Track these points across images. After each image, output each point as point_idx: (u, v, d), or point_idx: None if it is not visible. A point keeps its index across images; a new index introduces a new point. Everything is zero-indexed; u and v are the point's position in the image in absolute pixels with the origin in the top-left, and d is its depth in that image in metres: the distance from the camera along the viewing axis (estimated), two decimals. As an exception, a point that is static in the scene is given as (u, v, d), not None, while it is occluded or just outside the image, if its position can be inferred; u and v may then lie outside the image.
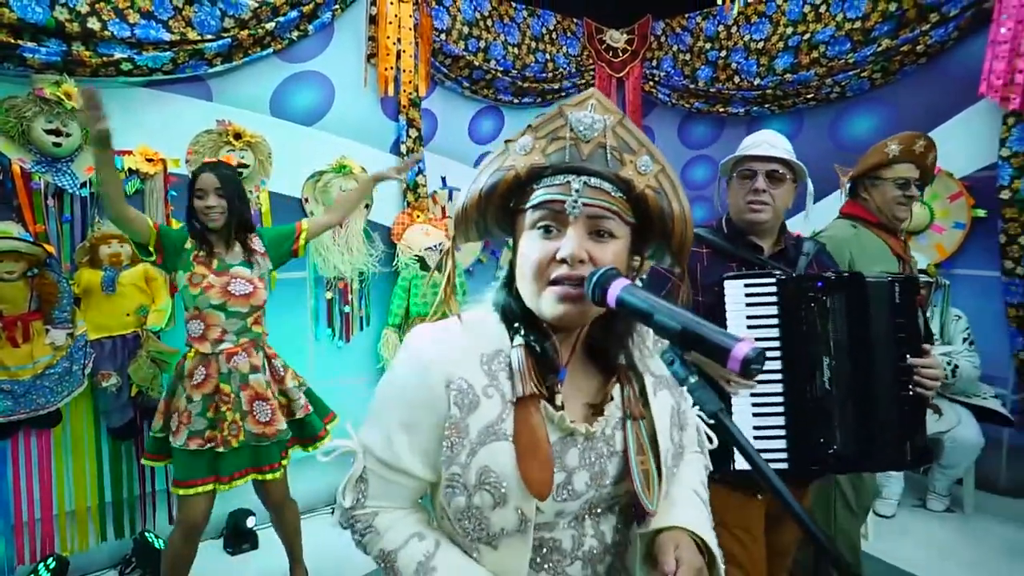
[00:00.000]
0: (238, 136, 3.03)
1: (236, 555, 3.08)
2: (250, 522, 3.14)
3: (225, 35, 2.94)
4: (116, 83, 2.75)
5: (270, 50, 3.13)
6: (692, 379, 0.72)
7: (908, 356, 1.60)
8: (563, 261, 0.81)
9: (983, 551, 3.11)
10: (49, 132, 2.53)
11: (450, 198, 4.18)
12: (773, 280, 1.61)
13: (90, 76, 2.64)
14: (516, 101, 4.59)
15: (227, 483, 2.33)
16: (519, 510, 0.82)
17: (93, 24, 2.62)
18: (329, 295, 3.48)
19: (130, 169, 2.80)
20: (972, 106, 3.65)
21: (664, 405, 0.94)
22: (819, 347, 1.60)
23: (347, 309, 3.55)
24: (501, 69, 4.41)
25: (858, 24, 4.03)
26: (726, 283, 1.61)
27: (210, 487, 2.30)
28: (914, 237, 3.89)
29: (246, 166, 3.06)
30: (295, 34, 3.20)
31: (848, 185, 2.53)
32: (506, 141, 0.88)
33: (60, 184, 2.61)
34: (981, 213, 3.67)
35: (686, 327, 0.71)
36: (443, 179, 4.16)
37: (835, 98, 4.22)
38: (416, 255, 3.56)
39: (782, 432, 1.59)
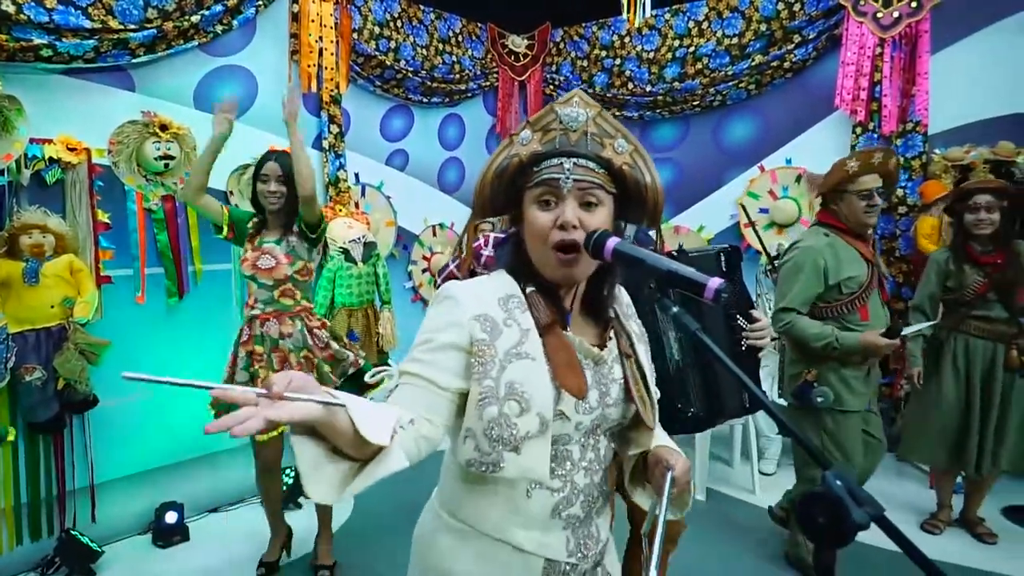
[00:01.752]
0: (164, 127, 3.02)
1: (167, 548, 3.07)
2: (172, 517, 3.12)
3: (149, 26, 2.92)
4: (35, 69, 2.68)
5: (194, 43, 3.14)
6: (675, 308, 0.97)
7: (738, 317, 1.79)
8: (561, 227, 1.03)
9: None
10: (-35, 118, 2.45)
11: (363, 194, 4.30)
12: None
13: (6, 60, 2.57)
14: (425, 100, 4.77)
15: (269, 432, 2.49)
16: (540, 415, 1.01)
17: (7, 7, 2.55)
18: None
19: (51, 158, 2.73)
20: (828, 116, 4.25)
21: (645, 358, 1.19)
22: (661, 322, 1.72)
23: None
24: (411, 69, 4.57)
25: (735, 40, 4.56)
26: None
27: (266, 436, 2.56)
28: (785, 230, 4.45)
29: (172, 158, 3.05)
30: (219, 28, 3.22)
31: (818, 195, 2.78)
32: (511, 135, 1.10)
33: (-24, 173, 2.52)
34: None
35: (670, 269, 0.97)
36: (356, 175, 4.26)
37: (717, 106, 4.73)
38: (340, 247, 3.66)
39: None
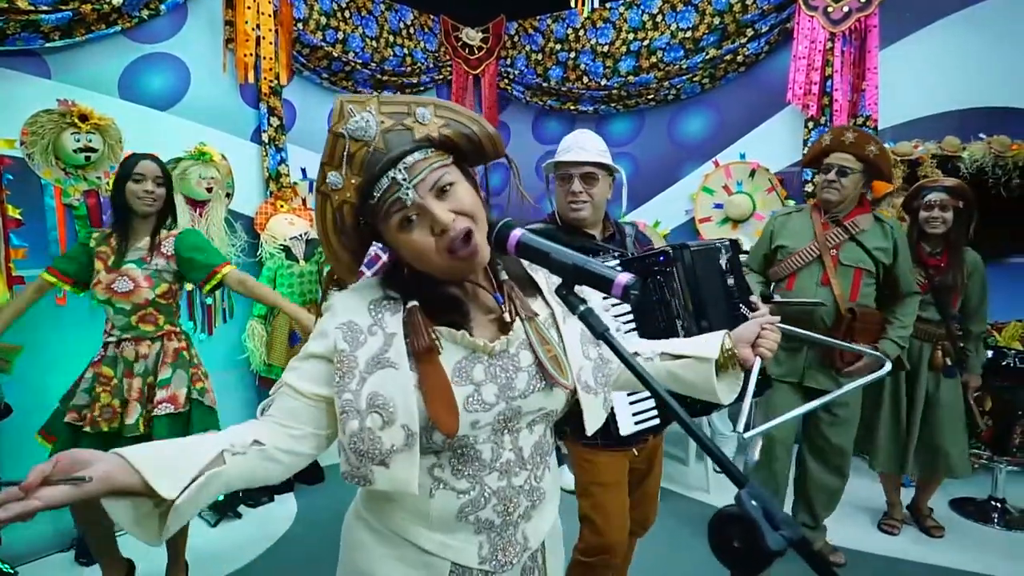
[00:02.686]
0: (84, 118, 2.83)
1: (90, 565, 2.89)
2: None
3: (64, 8, 2.74)
4: (-66, 54, 2.49)
5: (117, 28, 2.95)
6: (582, 307, 0.88)
7: (741, 307, 1.82)
8: (441, 232, 0.93)
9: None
10: None
11: (310, 189, 4.14)
12: (618, 260, 1.80)
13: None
14: (376, 94, 4.61)
15: None
16: (405, 427, 0.93)
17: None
18: (189, 286, 3.32)
19: (-45, 151, 2.54)
20: (781, 111, 4.23)
21: (573, 329, 1.09)
22: (670, 312, 1.76)
23: (209, 301, 3.42)
24: (360, 61, 4.43)
25: (689, 34, 4.51)
26: None
27: None
28: (740, 225, 4.43)
29: (94, 150, 2.87)
30: (145, 13, 3.04)
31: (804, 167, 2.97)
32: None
33: None
34: (791, 203, 4.26)
35: (577, 264, 0.88)
36: (303, 170, 4.11)
37: (672, 99, 4.68)
38: (281, 245, 3.51)
39: (649, 396, 1.77)
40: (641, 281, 0.84)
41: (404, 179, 0.91)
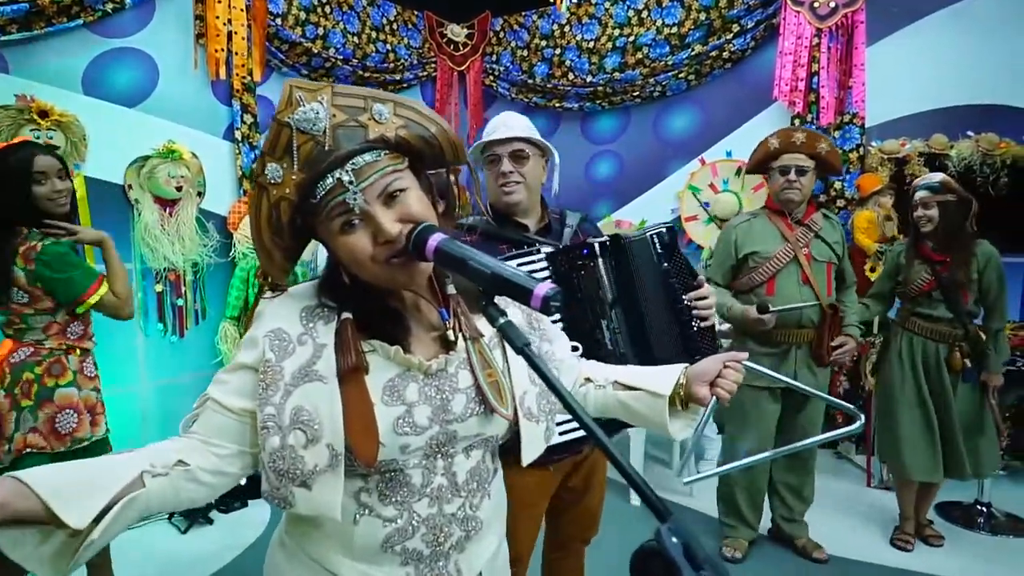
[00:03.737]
0: (44, 114, 2.75)
1: None
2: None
3: (20, 0, 2.66)
4: None
5: (79, 21, 2.87)
6: (501, 319, 0.81)
7: (682, 297, 1.66)
8: (386, 243, 0.86)
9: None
10: None
11: (291, 187, 4.07)
12: (543, 255, 1.65)
13: None
14: (330, 83, 4.52)
15: None
16: (331, 446, 0.86)
17: None
18: (159, 288, 3.26)
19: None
20: (767, 108, 4.16)
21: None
22: (597, 310, 1.64)
23: (180, 302, 3.35)
24: (341, 57, 4.35)
25: (675, 30, 4.44)
26: None
27: None
28: (726, 224, 4.36)
29: (56, 147, 2.79)
30: (109, 6, 2.96)
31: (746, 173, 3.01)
32: (256, 179, 0.88)
33: None
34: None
35: (495, 272, 0.81)
36: (282, 168, 4.03)
37: (657, 97, 4.61)
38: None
39: None
40: (562, 292, 0.77)
41: (351, 181, 0.83)
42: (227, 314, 3.43)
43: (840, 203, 3.89)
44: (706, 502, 3.35)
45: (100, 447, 2.19)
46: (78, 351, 2.16)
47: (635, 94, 4.66)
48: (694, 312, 1.67)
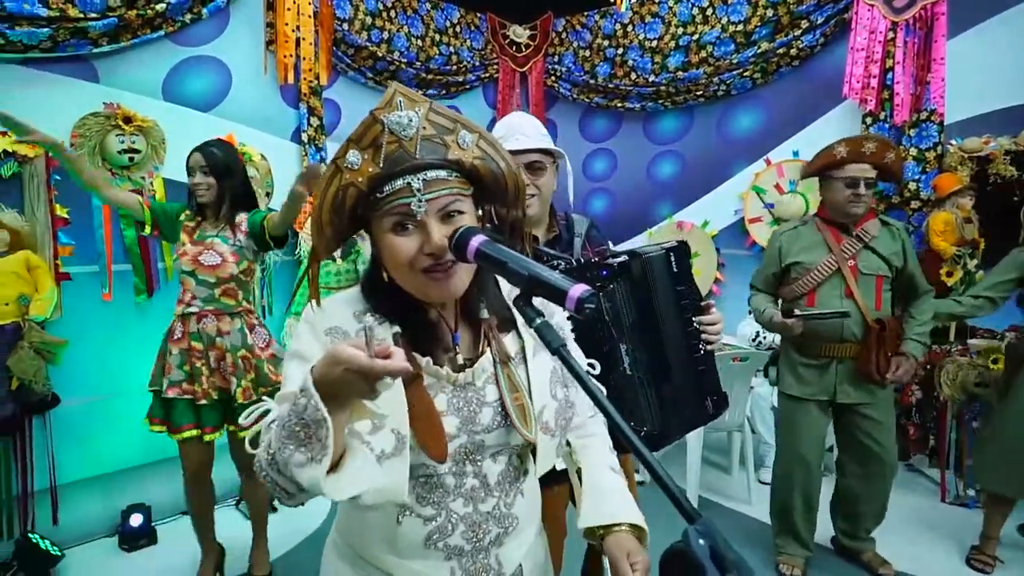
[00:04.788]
0: (128, 120, 2.93)
1: (132, 551, 2.99)
2: (137, 520, 3.04)
3: (111, 14, 2.83)
4: (-12, 60, 2.62)
5: (161, 32, 3.04)
6: (538, 320, 0.82)
7: (692, 319, 1.61)
8: (431, 254, 0.90)
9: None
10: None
11: (355, 188, 4.18)
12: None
13: (-42, 51, 2.50)
14: (421, 93, 4.63)
15: (209, 434, 2.47)
16: (396, 431, 0.90)
17: (-42, -4, 2.48)
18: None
19: (5, 151, 2.66)
20: (837, 106, 4.01)
21: (543, 364, 1.04)
22: (615, 333, 1.54)
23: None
24: (405, 60, 4.44)
25: (740, 27, 4.34)
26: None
27: (195, 433, 2.45)
28: (791, 225, 4.23)
29: (137, 151, 2.97)
30: (188, 17, 3.12)
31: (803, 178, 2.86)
32: (334, 160, 0.92)
33: (-74, 166, 2.46)
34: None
35: (532, 274, 0.82)
36: (348, 169, 4.15)
37: (722, 95, 4.51)
38: (319, 243, 3.55)
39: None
40: (595, 295, 0.78)
41: (419, 189, 0.88)
42: (292, 310, 3.55)
43: (915, 204, 3.71)
44: (764, 509, 3.26)
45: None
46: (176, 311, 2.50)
47: (698, 93, 4.57)
48: (703, 335, 1.62)
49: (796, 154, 4.21)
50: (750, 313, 2.97)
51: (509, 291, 1.09)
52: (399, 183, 0.89)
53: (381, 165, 0.89)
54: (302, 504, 0.91)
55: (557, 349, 0.79)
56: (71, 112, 2.85)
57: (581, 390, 1.15)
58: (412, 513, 0.97)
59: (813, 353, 2.60)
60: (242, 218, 2.46)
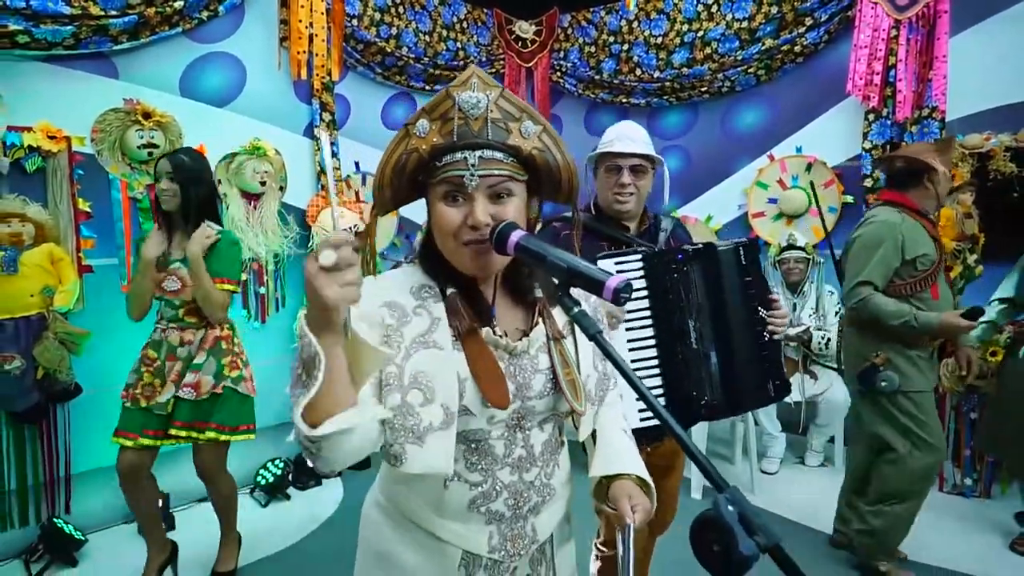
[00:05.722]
0: (147, 115, 2.99)
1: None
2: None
3: (131, 12, 2.89)
4: (12, 56, 2.66)
5: (179, 29, 3.10)
6: (575, 308, 0.89)
7: (759, 308, 1.80)
8: (472, 227, 0.97)
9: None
10: (-59, 107, 2.44)
11: (363, 183, 4.23)
12: (640, 256, 1.76)
13: (-17, 48, 2.56)
14: (428, 88, 4.69)
15: (146, 438, 2.46)
16: (444, 407, 0.96)
17: (-15, -7, 2.53)
18: (244, 276, 3.48)
19: (30, 146, 2.72)
20: (840, 103, 4.07)
21: (587, 340, 1.10)
22: (684, 311, 1.76)
23: (262, 291, 3.57)
24: (413, 56, 4.49)
25: (745, 24, 4.39)
26: (599, 262, 1.71)
27: (130, 442, 2.44)
28: (794, 221, 4.30)
29: (156, 146, 3.02)
30: (204, 14, 3.18)
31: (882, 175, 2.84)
32: (405, 124, 1.01)
33: (-47, 161, 2.52)
34: (849, 199, 4.10)
35: (571, 266, 0.89)
36: (356, 164, 4.21)
37: (726, 92, 4.57)
38: (331, 237, 3.61)
39: (660, 391, 1.75)
40: (631, 286, 0.85)
41: (474, 164, 0.96)
42: (304, 303, 3.62)
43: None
44: (766, 499, 3.34)
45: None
46: None
47: (703, 89, 4.63)
48: (768, 325, 1.80)
49: (799, 150, 4.27)
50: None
51: None
52: (457, 156, 0.96)
53: (445, 137, 0.98)
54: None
55: (594, 335, 0.87)
56: (92, 107, 2.90)
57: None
58: (460, 479, 1.03)
59: (922, 345, 2.57)
60: (210, 234, 2.42)
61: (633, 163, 1.89)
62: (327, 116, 3.79)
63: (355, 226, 3.68)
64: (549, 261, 0.92)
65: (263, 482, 3.43)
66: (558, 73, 5.34)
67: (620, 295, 0.84)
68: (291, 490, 3.49)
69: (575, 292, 0.94)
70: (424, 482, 1.03)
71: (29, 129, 2.72)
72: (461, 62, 4.87)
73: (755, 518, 0.71)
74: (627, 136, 1.91)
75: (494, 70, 5.16)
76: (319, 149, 3.80)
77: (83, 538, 2.84)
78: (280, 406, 3.72)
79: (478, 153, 0.96)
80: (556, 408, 1.08)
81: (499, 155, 0.98)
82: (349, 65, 4.10)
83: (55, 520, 2.83)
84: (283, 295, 3.68)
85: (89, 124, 2.91)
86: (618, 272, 1.73)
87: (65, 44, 2.73)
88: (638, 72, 4.91)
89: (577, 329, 1.11)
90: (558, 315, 1.11)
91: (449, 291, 1.03)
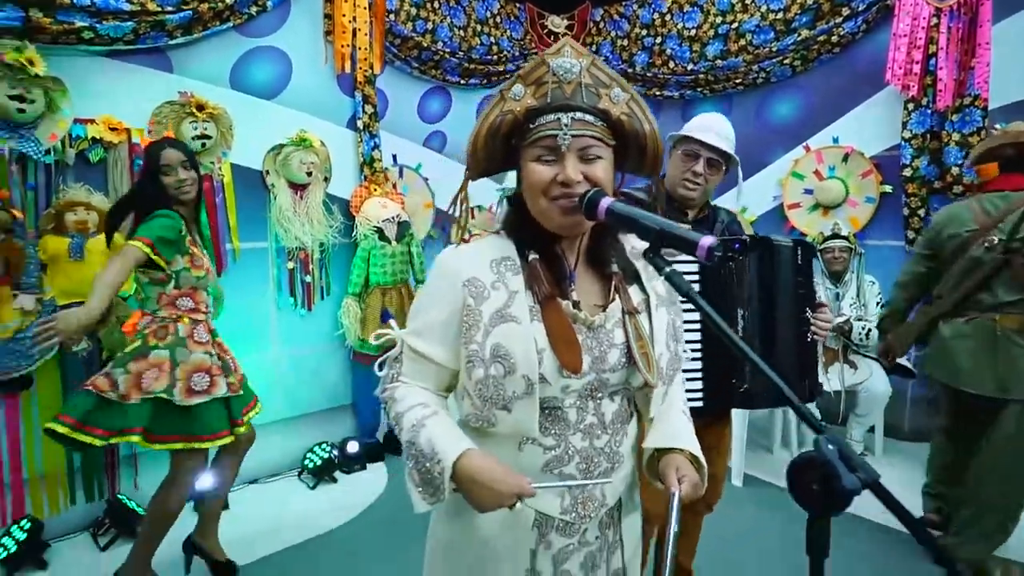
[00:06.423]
0: (201, 108, 3.08)
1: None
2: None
3: (185, 7, 2.98)
4: (77, 51, 2.77)
5: (229, 24, 3.19)
6: (667, 268, 0.94)
7: (807, 309, 1.83)
8: (563, 183, 1.02)
9: (889, 488, 3.51)
10: (12, 98, 2.54)
11: (400, 175, 4.31)
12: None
13: (50, 43, 2.66)
14: (463, 82, 4.75)
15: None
16: (526, 377, 1.02)
17: (52, -9, 2.63)
18: (290, 265, 3.57)
19: (93, 138, 2.82)
20: (879, 92, 4.06)
21: (662, 320, 1.15)
22: (735, 299, 1.79)
23: (308, 279, 3.65)
24: (448, 50, 4.55)
25: (780, 15, 4.39)
26: None
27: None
28: (831, 211, 4.29)
29: (208, 137, 3.12)
30: (254, 9, 3.27)
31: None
32: (500, 90, 1.07)
33: (24, 151, 2.62)
34: (888, 189, 4.09)
35: (663, 227, 0.94)
36: (394, 156, 4.28)
37: (760, 83, 4.58)
38: (374, 226, 3.69)
39: (699, 375, 1.78)
40: (723, 244, 0.89)
41: (567, 125, 1.02)
42: (349, 291, 3.71)
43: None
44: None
45: (217, 405, 2.38)
46: (187, 320, 2.38)
47: (737, 81, 4.64)
48: (812, 326, 1.84)
49: (836, 140, 4.27)
50: None
51: (631, 250, 1.20)
52: (550, 117, 1.03)
53: (539, 100, 1.04)
54: None
55: (687, 292, 0.91)
56: (149, 100, 3.00)
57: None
58: (534, 442, 1.09)
59: None
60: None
61: (711, 156, 1.92)
62: (369, 109, 3.87)
63: (398, 216, 3.75)
64: (641, 223, 0.96)
65: (311, 465, 3.51)
66: (590, 66, 5.36)
67: (713, 252, 0.89)
68: (337, 474, 3.57)
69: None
70: (500, 445, 1.08)
71: (92, 121, 2.83)
72: (495, 56, 4.92)
73: (856, 457, 0.75)
74: (713, 129, 1.94)
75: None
76: (361, 141, 3.88)
77: (144, 513, 2.94)
78: (327, 390, 3.82)
79: (571, 115, 1.02)
80: (628, 381, 1.12)
81: (590, 118, 1.03)
82: (387, 60, 4.17)
83: (119, 496, 2.95)
84: (328, 283, 3.77)
85: (146, 116, 3.00)
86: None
87: (125, 39, 2.83)
88: (671, 65, 4.93)
89: (654, 309, 1.15)
90: (633, 293, 1.15)
91: (531, 256, 1.08)
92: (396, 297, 3.76)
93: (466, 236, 1.18)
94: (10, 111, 2.55)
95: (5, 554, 2.58)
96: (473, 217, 4.88)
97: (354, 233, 3.77)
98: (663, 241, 0.95)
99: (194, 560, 2.64)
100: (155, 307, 2.35)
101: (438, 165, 4.60)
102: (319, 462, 3.51)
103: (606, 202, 1.00)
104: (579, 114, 1.02)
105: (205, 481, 2.64)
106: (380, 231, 3.69)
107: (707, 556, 2.32)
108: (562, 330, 1.04)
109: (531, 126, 1.04)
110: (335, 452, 3.63)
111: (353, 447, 3.69)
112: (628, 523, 1.23)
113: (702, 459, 1.16)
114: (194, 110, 3.07)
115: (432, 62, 4.48)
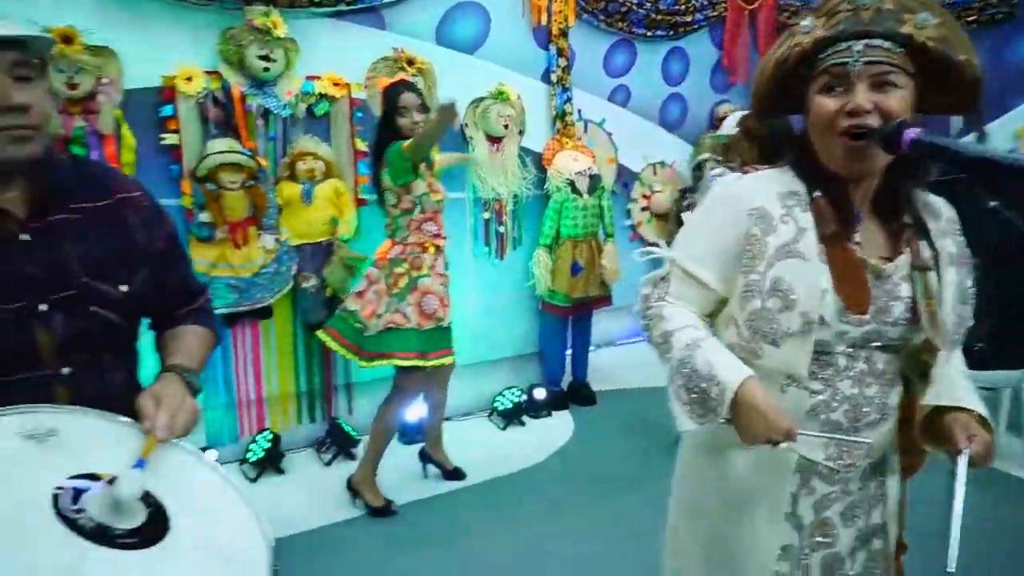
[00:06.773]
0: (411, 62, 3.26)
1: (410, 444, 3.27)
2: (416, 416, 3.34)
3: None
4: (307, 14, 3.04)
5: (436, -20, 3.35)
6: (992, 203, 0.84)
7: None
8: (851, 113, 0.93)
9: None
10: (260, 58, 2.85)
11: (585, 130, 4.29)
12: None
13: (288, 7, 2.94)
14: (649, 34, 4.60)
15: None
16: (804, 315, 0.98)
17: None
18: (486, 215, 3.72)
19: (320, 94, 3.09)
20: None
21: (951, 280, 1.05)
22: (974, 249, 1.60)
23: (501, 229, 3.78)
24: (635, 2, 4.43)
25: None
26: None
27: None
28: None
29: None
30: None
31: None
32: (791, 25, 1.02)
33: (267, 105, 2.94)
34: None
35: (985, 155, 0.82)
36: (579, 111, 4.27)
37: (1001, 20, 3.99)
38: (566, 179, 3.72)
39: None
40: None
41: (859, 51, 0.93)
42: (540, 242, 3.78)
43: None
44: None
45: (448, 331, 2.71)
46: (432, 248, 2.62)
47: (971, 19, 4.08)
48: None
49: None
50: None
51: (923, 205, 1.08)
52: (842, 47, 0.94)
53: (831, 30, 0.96)
54: None
55: (995, 207, 0.81)
56: (363, 56, 3.23)
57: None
58: (799, 385, 1.03)
59: None
60: None
61: None
62: (562, 62, 3.89)
63: (589, 168, 3.75)
64: (953, 152, 0.85)
65: (500, 408, 3.66)
66: (785, 14, 4.97)
67: None
68: (525, 418, 3.69)
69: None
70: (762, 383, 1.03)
71: (318, 78, 3.09)
72: (682, 6, 4.72)
73: None
74: None
75: (715, 13, 4.93)
76: (554, 95, 3.90)
77: (358, 437, 3.23)
78: (515, 339, 3.94)
79: (864, 41, 0.93)
80: (908, 337, 1.04)
81: (887, 44, 0.93)
82: (576, 12, 4.15)
83: (336, 419, 3.27)
84: (520, 234, 3.88)
85: (363, 72, 3.23)
86: None
87: (347, 0, 3.05)
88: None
89: (944, 266, 1.04)
90: (922, 249, 1.05)
91: (816, 194, 1.02)
92: (586, 250, 3.77)
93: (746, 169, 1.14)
94: (258, 70, 2.86)
95: (255, 458, 2.97)
96: (655, 174, 4.78)
97: (546, 185, 3.83)
98: (986, 169, 0.82)
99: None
100: (405, 234, 2.59)
101: (622, 120, 4.52)
102: (509, 405, 3.64)
103: (912, 132, 0.88)
104: (875, 40, 0.93)
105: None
106: (572, 184, 3.71)
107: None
108: (851, 271, 0.98)
109: (820, 56, 0.97)
110: (524, 397, 3.74)
111: (540, 394, 3.78)
112: (891, 482, 1.16)
113: (992, 424, 1.04)
114: (405, 65, 3.25)
115: (619, 14, 4.39)
